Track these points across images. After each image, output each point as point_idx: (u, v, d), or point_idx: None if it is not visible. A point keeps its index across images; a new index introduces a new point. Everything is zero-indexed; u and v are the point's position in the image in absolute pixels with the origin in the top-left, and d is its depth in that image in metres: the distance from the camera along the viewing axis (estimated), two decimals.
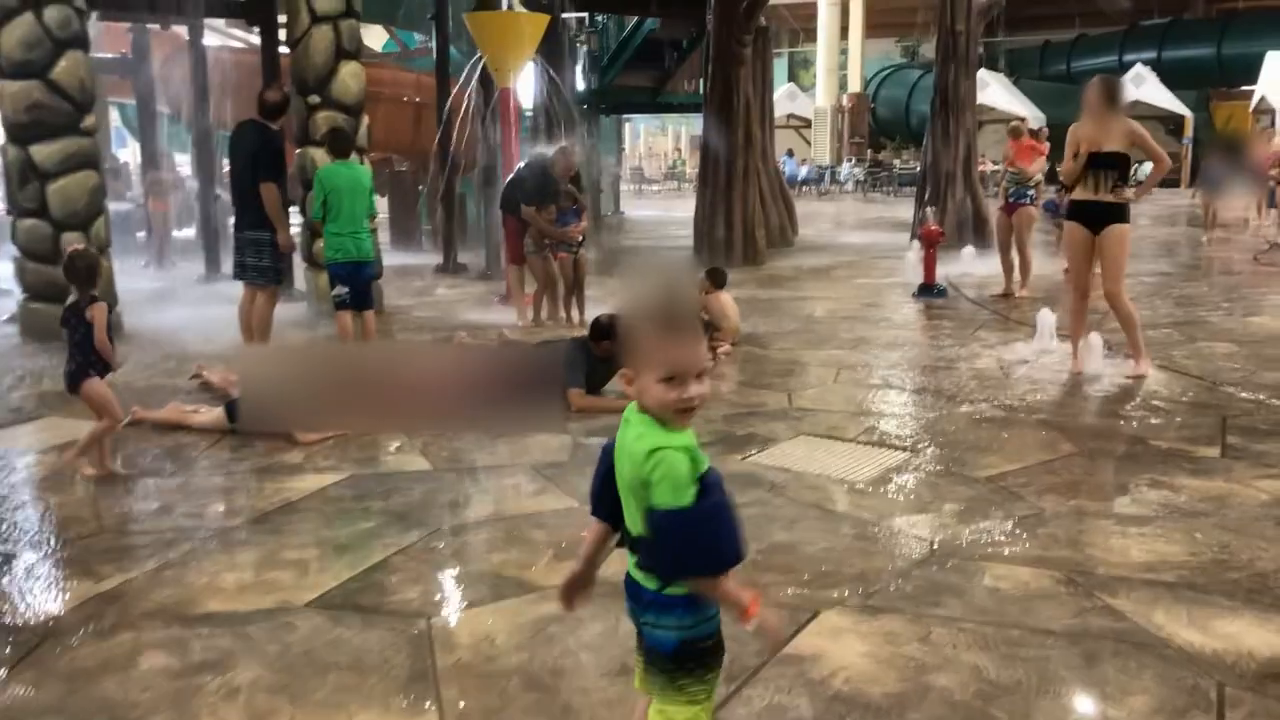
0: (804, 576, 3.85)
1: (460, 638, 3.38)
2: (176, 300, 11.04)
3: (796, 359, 7.92)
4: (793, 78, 46.62)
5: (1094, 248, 6.97)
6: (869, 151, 37.71)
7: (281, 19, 10.56)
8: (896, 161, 35.19)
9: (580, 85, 22.11)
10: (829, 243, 17.71)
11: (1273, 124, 27.19)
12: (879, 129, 40.04)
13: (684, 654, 2.01)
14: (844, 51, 39.47)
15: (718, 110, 14.05)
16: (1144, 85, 31.85)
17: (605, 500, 2.08)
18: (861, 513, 4.53)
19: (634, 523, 1.98)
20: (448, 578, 3.87)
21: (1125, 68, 33.06)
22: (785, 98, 41.08)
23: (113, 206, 9.52)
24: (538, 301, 9.39)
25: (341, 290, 7.04)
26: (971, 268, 12.60)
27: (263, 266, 6.98)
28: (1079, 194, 7.03)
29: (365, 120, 9.85)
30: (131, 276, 12.13)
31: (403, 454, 5.51)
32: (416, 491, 4.87)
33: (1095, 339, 7.24)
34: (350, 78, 9.62)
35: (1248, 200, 18.61)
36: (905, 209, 20.67)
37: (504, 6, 12.68)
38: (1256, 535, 4.19)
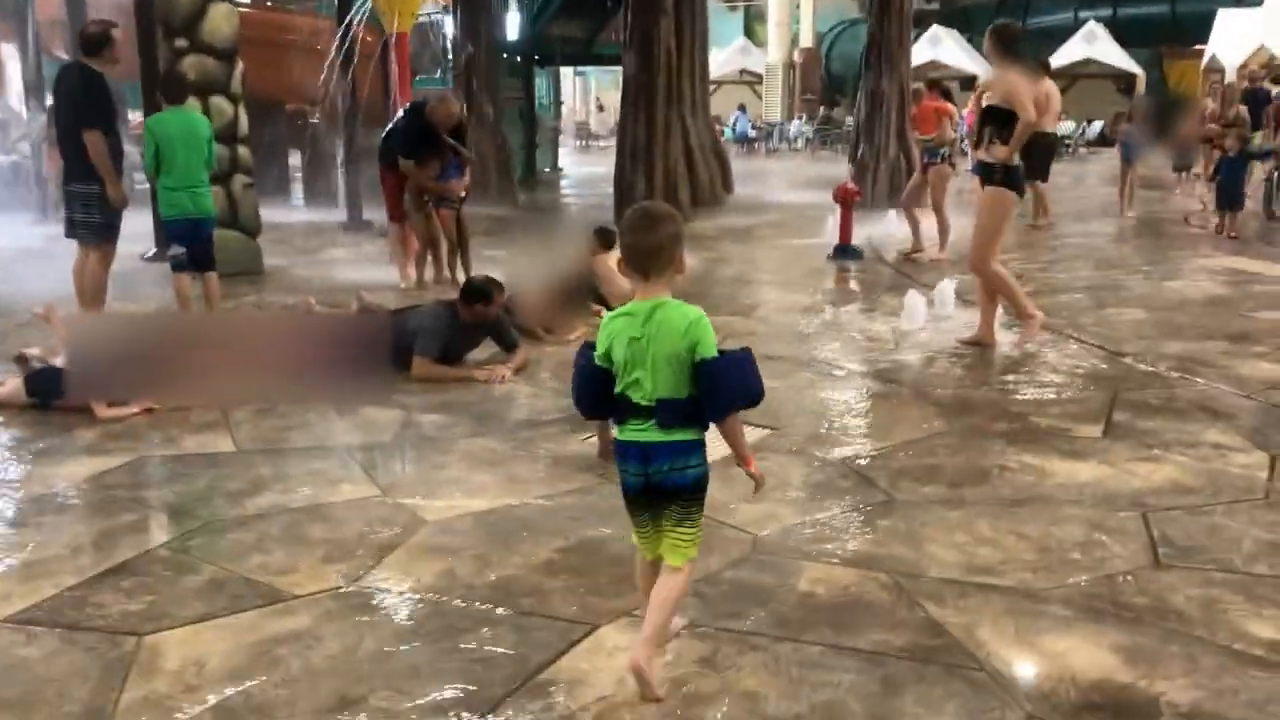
0: (599, 580, 3.39)
1: (167, 661, 2.89)
2: (49, 258, 10.36)
3: None
4: (749, 33, 45.81)
5: None
6: (820, 108, 37.08)
7: None
8: (849, 119, 34.60)
9: (514, 35, 21.39)
10: (763, 202, 17.15)
11: (1223, 82, 26.90)
12: (833, 85, 39.38)
13: (699, 485, 2.69)
14: (799, 6, 38.75)
15: (636, 61, 13.46)
16: (1096, 42, 31.46)
17: (600, 404, 2.78)
18: None
19: (666, 387, 2.59)
20: (186, 585, 3.37)
21: (1081, 25, 32.65)
22: (738, 53, 40.38)
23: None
24: (420, 261, 8.84)
25: (178, 250, 6.46)
26: (899, 228, 12.15)
27: (92, 223, 6.37)
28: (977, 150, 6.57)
29: (240, 66, 9.18)
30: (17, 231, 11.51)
31: (211, 433, 4.98)
32: (203, 479, 4.35)
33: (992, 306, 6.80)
34: (221, 19, 8.96)
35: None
36: None
37: None
38: (1116, 530, 3.78)
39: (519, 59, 21.74)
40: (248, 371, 5.42)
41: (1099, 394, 5.56)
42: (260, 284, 9.03)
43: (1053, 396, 5.53)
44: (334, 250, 11.39)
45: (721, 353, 2.59)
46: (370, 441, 4.85)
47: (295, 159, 17.61)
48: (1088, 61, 31.31)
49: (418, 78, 19.39)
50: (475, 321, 6.11)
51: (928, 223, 10.23)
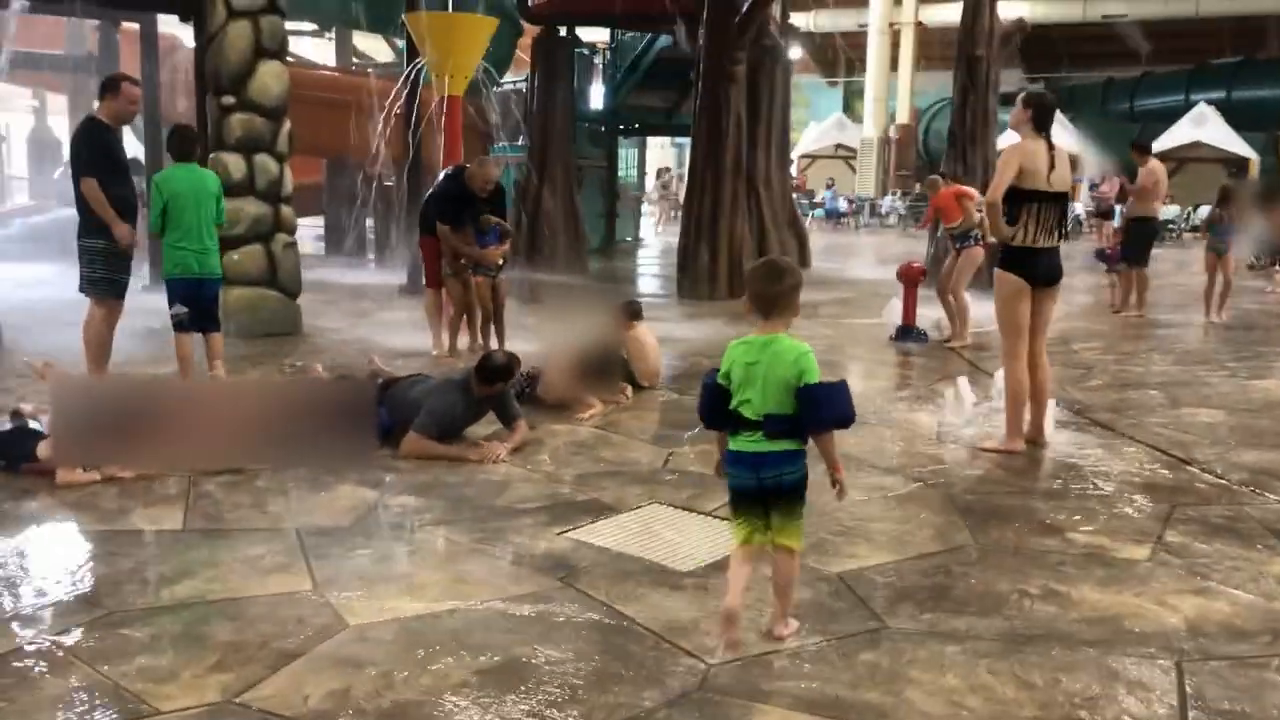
0: (506, 712, 2.92)
1: None
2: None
3: None
4: (847, 108, 45.57)
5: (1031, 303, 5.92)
6: (916, 185, 36.44)
7: None
8: None
9: (596, 105, 21.40)
10: (838, 277, 16.66)
11: None
12: (930, 162, 38.73)
13: (802, 486, 3.31)
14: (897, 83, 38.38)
15: (705, 130, 13.14)
16: (1206, 125, 30.38)
17: (719, 416, 3.32)
18: (652, 618, 3.58)
19: (773, 404, 3.20)
20: (47, 691, 2.99)
21: (1192, 106, 31.60)
22: (834, 127, 40.17)
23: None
24: (454, 328, 8.55)
25: (180, 310, 6.25)
26: (978, 311, 11.51)
27: (95, 278, 6.21)
28: None
29: (287, 125, 9.10)
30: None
31: (165, 507, 4.66)
32: (129, 560, 4.02)
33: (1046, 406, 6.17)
34: (270, 78, 8.90)
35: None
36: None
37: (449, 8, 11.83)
38: (1139, 684, 3.17)
39: (602, 128, 21.72)
40: (226, 439, 5.13)
41: (1154, 507, 4.92)
42: (294, 346, 8.83)
43: (1099, 509, 4.91)
44: (386, 314, 11.20)
45: (822, 381, 3.20)
46: (328, 525, 4.47)
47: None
48: (1197, 144, 30.22)
49: (498, 145, 19.47)
50: (485, 398, 5.75)
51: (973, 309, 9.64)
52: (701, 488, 5.10)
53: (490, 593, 3.76)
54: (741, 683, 3.15)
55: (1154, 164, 11.74)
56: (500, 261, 8.39)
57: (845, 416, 3.27)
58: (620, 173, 23.46)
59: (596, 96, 21.43)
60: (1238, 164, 30.80)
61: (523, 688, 3.06)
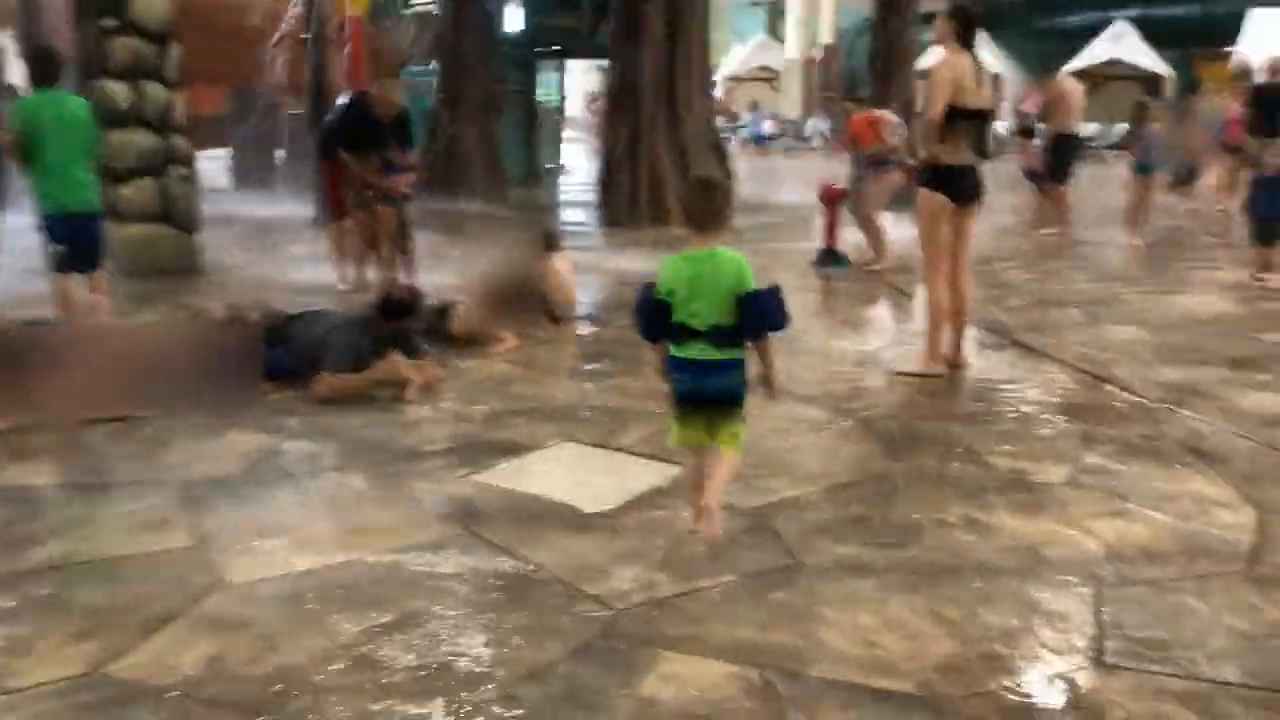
0: (395, 678, 2.73)
1: None
2: None
3: (628, 339, 6.74)
4: (771, 30, 45.01)
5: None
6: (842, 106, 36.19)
7: None
8: None
9: (514, 27, 20.76)
10: (762, 203, 16.43)
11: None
12: (855, 83, 38.46)
13: (744, 390, 3.48)
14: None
15: (622, 52, 12.77)
16: (1122, 41, 30.53)
17: (659, 328, 3.44)
18: (558, 563, 3.40)
19: (718, 315, 3.35)
20: None
21: (1109, 24, 31.68)
22: (758, 49, 39.74)
23: None
24: (361, 261, 8.20)
25: (55, 248, 5.84)
26: (896, 233, 11.40)
27: None
28: None
29: (175, 49, 8.58)
30: None
31: (38, 461, 4.36)
32: None
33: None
34: None
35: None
36: None
37: None
38: (1058, 615, 3.08)
39: (520, 52, 21.10)
40: (107, 386, 4.82)
41: (1072, 428, 4.85)
42: (191, 286, 8.42)
43: (1018, 432, 4.82)
44: (295, 247, 10.74)
45: (759, 288, 3.36)
46: (213, 475, 4.21)
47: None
48: (1114, 62, 30.37)
49: (407, 68, 18.82)
50: (387, 337, 5.47)
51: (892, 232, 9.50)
52: (618, 423, 4.92)
53: (387, 543, 3.55)
54: (648, 628, 2.99)
55: (1069, 82, 11.70)
56: (406, 191, 8.03)
57: (781, 320, 3.44)
58: (541, 98, 22.90)
59: (514, 19, 20.77)
60: (1153, 81, 31.08)
61: (415, 645, 2.87)
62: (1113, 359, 6.12)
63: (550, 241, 7.32)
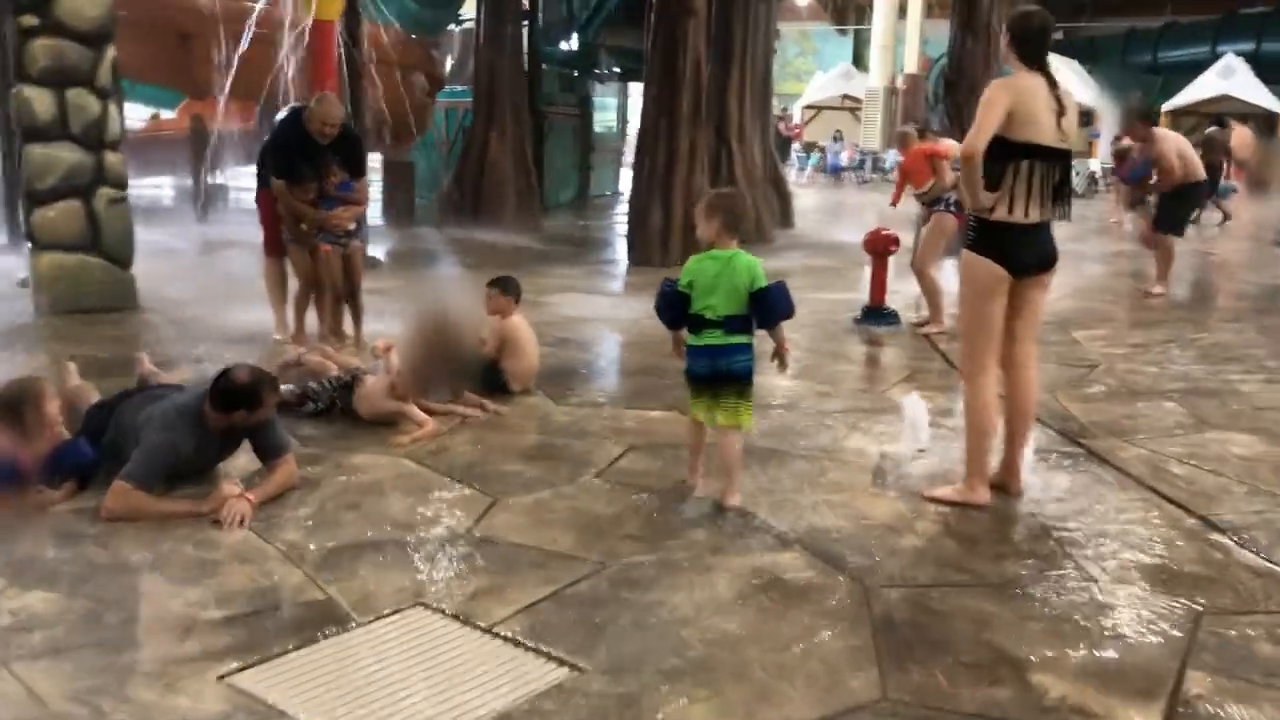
0: None
1: None
2: None
3: (588, 429, 5.28)
4: (857, 58, 43.35)
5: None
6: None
7: None
8: None
9: (566, 46, 19.58)
10: (820, 241, 14.88)
11: None
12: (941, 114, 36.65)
13: (751, 372, 4.06)
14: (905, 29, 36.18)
15: (659, 71, 11.35)
16: (1234, 78, 28.33)
17: (679, 318, 4.08)
18: None
19: (732, 307, 3.98)
20: None
21: (1217, 59, 29.50)
22: (840, 77, 38.18)
23: None
24: (300, 308, 6.89)
25: None
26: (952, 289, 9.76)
27: None
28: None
29: (110, 54, 7.40)
30: None
31: None
32: None
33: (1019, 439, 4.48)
34: None
35: None
36: None
37: None
38: None
39: (574, 72, 19.86)
40: None
41: (1170, 618, 3.27)
42: (115, 326, 7.20)
43: (1085, 623, 3.25)
44: (253, 282, 9.49)
45: (770, 284, 3.99)
46: None
47: None
48: (1224, 98, 28.16)
49: (447, 89, 17.70)
50: (224, 430, 4.11)
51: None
52: (507, 575, 3.47)
53: None
54: None
55: (1162, 133, 10.01)
56: (351, 226, 6.70)
57: (789, 309, 4.04)
58: (600, 122, 21.61)
59: (569, 38, 19.57)
60: (1268, 119, 28.79)
61: None
62: (1225, 488, 4.50)
63: (511, 292, 5.91)
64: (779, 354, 4.13)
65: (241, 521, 3.79)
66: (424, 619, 3.18)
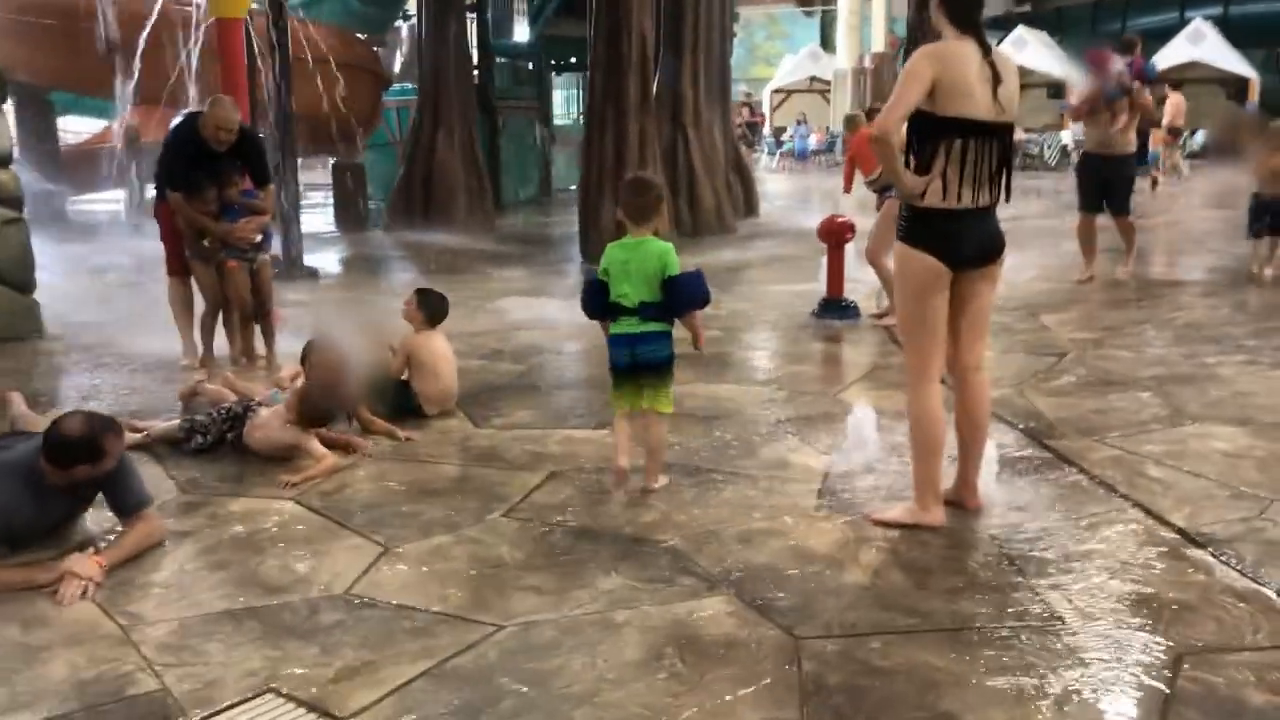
0: None
1: None
2: None
3: (507, 456, 4.80)
4: (824, 40, 42.85)
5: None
6: None
7: None
8: None
9: (520, 38, 19.04)
10: (783, 228, 14.41)
11: None
12: None
13: (671, 360, 4.09)
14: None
15: (603, 58, 10.85)
16: (1203, 43, 27.93)
17: (600, 307, 4.10)
18: None
19: (644, 294, 3.97)
20: None
21: (1187, 24, 29.12)
22: (807, 58, 37.74)
23: None
24: (207, 329, 6.38)
25: None
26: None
27: None
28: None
29: None
30: None
31: None
32: None
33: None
34: None
35: None
36: None
37: None
38: None
39: (529, 65, 19.34)
40: None
41: (1148, 660, 2.81)
42: (14, 356, 6.68)
43: (1051, 674, 2.79)
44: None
45: (682, 272, 3.98)
46: None
47: None
48: (1194, 64, 27.78)
49: (397, 87, 17.15)
50: (66, 487, 3.59)
51: None
52: (381, 645, 2.98)
53: None
54: None
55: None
56: (257, 238, 6.19)
57: (702, 298, 4.06)
58: (561, 114, 21.11)
59: (519, 29, 19.04)
60: (1238, 84, 28.46)
61: None
62: (1206, 492, 4.05)
63: (432, 308, 5.41)
64: (695, 341, 4.18)
65: (85, 593, 3.29)
66: (273, 710, 2.69)
